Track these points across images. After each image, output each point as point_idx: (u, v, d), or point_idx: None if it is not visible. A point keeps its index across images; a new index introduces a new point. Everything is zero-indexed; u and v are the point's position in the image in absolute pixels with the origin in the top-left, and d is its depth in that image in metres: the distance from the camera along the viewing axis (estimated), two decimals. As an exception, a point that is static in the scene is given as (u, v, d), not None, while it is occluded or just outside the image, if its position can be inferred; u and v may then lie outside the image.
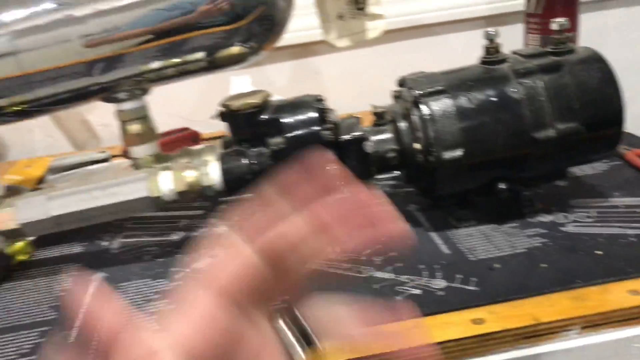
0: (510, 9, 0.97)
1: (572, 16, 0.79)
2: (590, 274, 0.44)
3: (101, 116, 1.02)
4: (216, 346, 0.25)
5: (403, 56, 1.02)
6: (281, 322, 0.28)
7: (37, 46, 0.51)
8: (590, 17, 0.97)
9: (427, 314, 0.42)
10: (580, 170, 0.62)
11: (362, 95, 0.97)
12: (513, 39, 0.83)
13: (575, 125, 0.49)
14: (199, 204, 0.67)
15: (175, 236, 0.60)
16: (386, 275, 0.47)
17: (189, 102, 0.99)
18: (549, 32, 0.80)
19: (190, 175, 0.51)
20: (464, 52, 1.01)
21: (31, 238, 0.58)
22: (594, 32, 0.94)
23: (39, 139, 1.02)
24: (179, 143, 0.83)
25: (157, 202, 0.51)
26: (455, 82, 0.51)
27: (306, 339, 0.28)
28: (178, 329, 0.24)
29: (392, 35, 1.00)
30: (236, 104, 0.51)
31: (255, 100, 0.51)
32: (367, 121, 0.54)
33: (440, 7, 0.98)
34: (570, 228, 0.51)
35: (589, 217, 0.52)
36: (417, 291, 0.45)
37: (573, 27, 0.79)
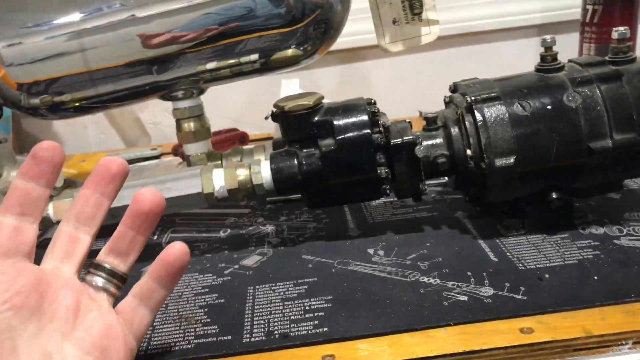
0: (565, 18, 0.95)
1: (630, 25, 0.77)
2: (645, 289, 0.43)
3: (152, 115, 1.05)
4: (27, 296, 0.33)
5: (453, 63, 1.02)
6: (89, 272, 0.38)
7: (101, 44, 0.53)
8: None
9: (473, 320, 0.42)
10: (635, 183, 0.61)
11: (410, 101, 0.98)
12: (567, 48, 0.81)
13: (633, 136, 0.48)
14: (245, 203, 0.68)
15: (223, 233, 0.61)
16: (432, 281, 0.47)
17: (238, 104, 1.01)
18: (605, 42, 0.79)
19: (241, 174, 0.52)
20: (515, 60, 1.01)
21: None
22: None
23: (92, 135, 1.06)
24: (228, 143, 0.85)
25: (209, 199, 0.52)
26: (509, 89, 0.50)
27: (114, 276, 0.38)
28: None
29: (443, 41, 0.99)
30: (289, 105, 0.52)
31: (307, 102, 0.52)
32: (416, 127, 0.54)
33: (492, 15, 0.97)
34: (624, 241, 0.50)
35: (644, 231, 0.51)
36: (464, 297, 0.44)
37: (632, 36, 0.77)
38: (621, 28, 0.51)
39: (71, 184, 0.70)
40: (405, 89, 1.03)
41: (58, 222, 0.54)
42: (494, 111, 0.49)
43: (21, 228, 0.35)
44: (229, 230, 0.61)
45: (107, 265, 0.38)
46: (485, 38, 1.01)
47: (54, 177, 0.36)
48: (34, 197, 0.35)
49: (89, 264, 0.39)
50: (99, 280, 0.38)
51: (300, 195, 0.55)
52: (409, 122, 0.54)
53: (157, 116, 1.05)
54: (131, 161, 0.86)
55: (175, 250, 0.38)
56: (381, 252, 0.53)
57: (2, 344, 0.32)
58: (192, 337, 0.43)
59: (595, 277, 0.45)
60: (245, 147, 0.61)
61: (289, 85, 0.81)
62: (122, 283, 0.39)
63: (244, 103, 1.02)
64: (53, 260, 0.37)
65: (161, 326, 0.45)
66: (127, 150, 0.96)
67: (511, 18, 0.98)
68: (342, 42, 0.94)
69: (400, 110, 0.89)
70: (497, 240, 0.52)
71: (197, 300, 0.48)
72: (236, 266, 0.53)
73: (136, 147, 1.04)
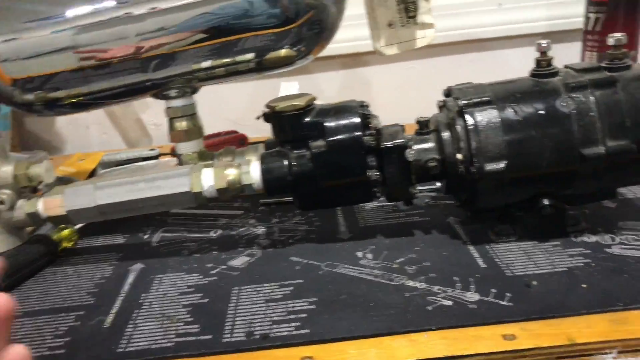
0: (569, 27, 0.94)
1: (633, 34, 0.76)
2: (632, 298, 0.42)
3: (153, 116, 1.05)
4: None
5: (456, 70, 1.01)
6: None
7: (96, 41, 0.53)
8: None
9: (456, 325, 0.41)
10: (631, 192, 0.60)
11: (413, 108, 0.97)
12: (570, 57, 0.81)
13: (626, 144, 0.47)
14: (238, 204, 0.68)
15: (213, 234, 0.61)
16: (418, 285, 0.47)
17: (239, 106, 1.01)
18: (607, 50, 0.78)
19: (230, 173, 0.52)
20: (519, 68, 0.99)
21: (77, 226, 0.61)
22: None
23: (95, 135, 1.07)
24: (227, 145, 0.85)
25: (198, 198, 0.52)
26: (502, 94, 0.50)
27: None
28: None
29: (446, 48, 0.99)
30: (280, 106, 0.52)
31: (299, 102, 0.52)
32: (412, 131, 0.54)
33: (497, 22, 0.97)
34: (616, 250, 0.49)
35: (637, 239, 0.50)
36: (448, 302, 0.44)
37: (633, 45, 0.77)
38: (617, 34, 0.50)
39: (67, 182, 0.71)
40: (408, 95, 1.02)
41: (48, 218, 0.55)
42: (485, 115, 0.49)
43: None
44: (219, 231, 0.61)
45: None
46: (490, 45, 1.00)
47: None
48: None
49: None
50: None
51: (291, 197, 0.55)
52: (402, 125, 0.54)
53: (158, 117, 1.05)
54: (130, 161, 0.86)
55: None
56: (370, 255, 0.52)
57: None
58: (173, 336, 0.43)
59: (584, 285, 0.44)
60: (238, 148, 0.61)
61: (288, 88, 0.81)
62: None
63: (244, 105, 1.02)
64: None
65: (143, 324, 0.45)
66: (126, 150, 0.97)
67: (516, 26, 0.97)
68: (343, 47, 0.95)
69: (402, 116, 0.88)
70: (487, 246, 0.52)
71: (181, 300, 0.48)
72: (223, 267, 0.53)
73: (137, 147, 1.04)
